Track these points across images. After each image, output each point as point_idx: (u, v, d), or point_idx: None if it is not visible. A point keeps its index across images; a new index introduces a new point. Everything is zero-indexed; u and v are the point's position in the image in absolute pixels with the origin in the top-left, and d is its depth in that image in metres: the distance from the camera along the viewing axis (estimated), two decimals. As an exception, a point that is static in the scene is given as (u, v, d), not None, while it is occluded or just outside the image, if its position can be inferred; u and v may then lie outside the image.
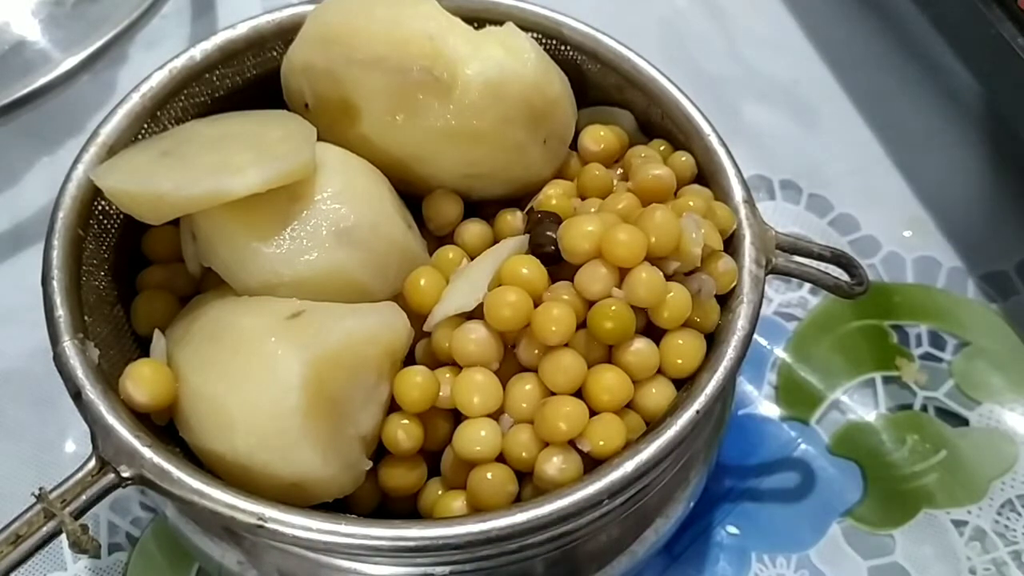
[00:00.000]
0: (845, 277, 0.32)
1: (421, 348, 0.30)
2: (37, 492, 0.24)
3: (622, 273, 0.28)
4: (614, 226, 0.27)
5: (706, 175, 0.32)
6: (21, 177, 0.45)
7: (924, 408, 0.41)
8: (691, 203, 0.29)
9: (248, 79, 0.34)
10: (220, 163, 0.27)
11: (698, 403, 0.27)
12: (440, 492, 0.28)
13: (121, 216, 0.31)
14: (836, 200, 0.46)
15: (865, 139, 0.49)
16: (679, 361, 0.28)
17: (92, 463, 0.25)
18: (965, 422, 0.40)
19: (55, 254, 0.28)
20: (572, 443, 0.27)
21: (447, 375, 0.28)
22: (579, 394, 0.27)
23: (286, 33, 0.33)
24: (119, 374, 0.27)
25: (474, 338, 0.28)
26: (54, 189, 0.29)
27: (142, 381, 0.26)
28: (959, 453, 0.39)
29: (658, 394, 0.28)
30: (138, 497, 0.37)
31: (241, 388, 0.26)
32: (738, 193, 0.31)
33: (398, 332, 0.28)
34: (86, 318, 0.28)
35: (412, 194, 0.32)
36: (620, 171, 0.33)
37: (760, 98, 0.50)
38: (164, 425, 0.27)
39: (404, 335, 0.29)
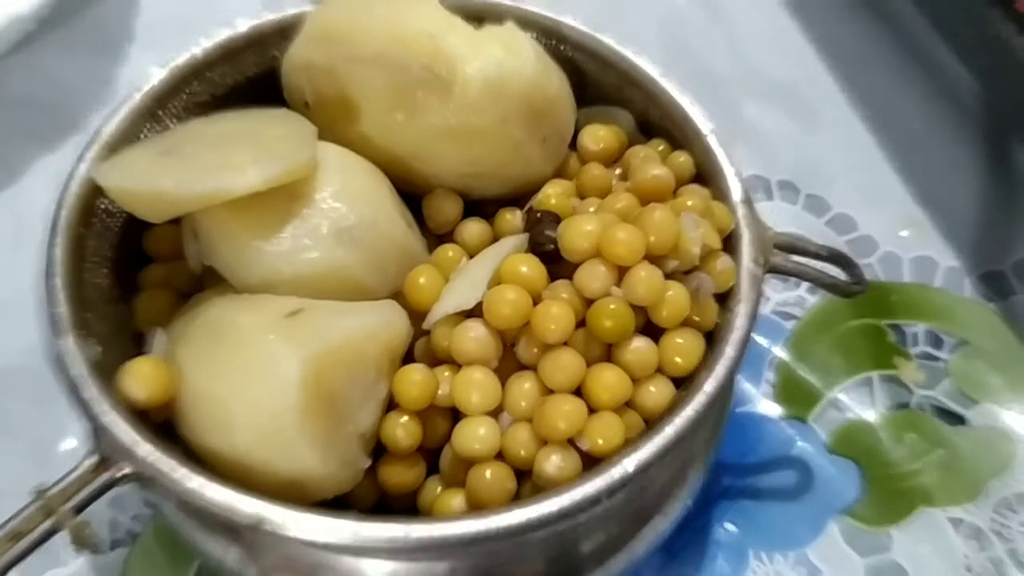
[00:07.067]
0: (843, 276, 0.32)
1: (420, 346, 0.30)
2: (36, 489, 0.24)
3: (621, 272, 0.28)
4: (613, 225, 0.28)
5: (705, 175, 0.32)
6: (23, 176, 0.45)
7: (922, 407, 0.41)
8: (690, 202, 0.29)
9: (249, 77, 0.34)
10: (221, 162, 0.28)
11: (697, 402, 0.27)
12: (439, 490, 0.28)
13: (123, 214, 0.31)
14: (834, 200, 0.46)
15: (863, 139, 0.49)
16: (678, 360, 0.28)
17: (91, 460, 0.25)
18: (962, 421, 0.40)
19: (57, 251, 0.28)
20: (571, 441, 0.27)
21: (446, 373, 0.28)
22: (578, 393, 0.28)
23: (287, 32, 0.33)
24: (119, 371, 0.27)
25: (473, 336, 0.28)
26: (56, 187, 0.29)
27: (142, 378, 0.26)
28: (956, 452, 0.39)
29: (657, 393, 0.28)
30: (138, 494, 0.37)
31: (240, 386, 0.26)
32: (736, 193, 0.31)
33: (397, 330, 0.28)
34: (87, 315, 0.28)
35: (412, 193, 0.32)
36: (619, 170, 0.33)
37: (759, 98, 0.50)
38: (163, 422, 0.28)
39: (403, 333, 0.29)
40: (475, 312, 0.28)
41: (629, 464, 0.26)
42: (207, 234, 0.29)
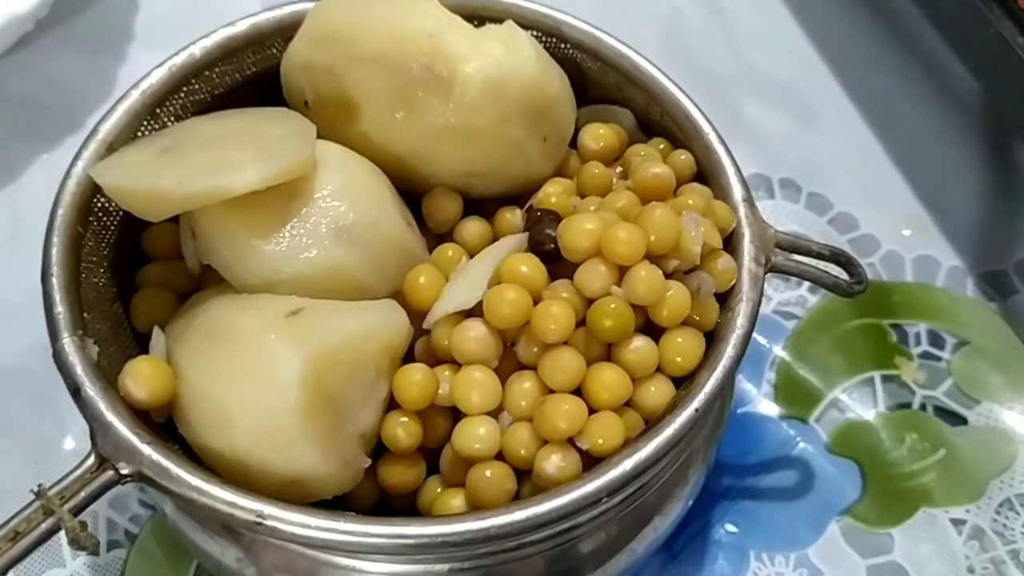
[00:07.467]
0: (844, 276, 0.32)
1: (420, 346, 0.30)
2: (36, 489, 0.24)
3: (621, 271, 0.28)
4: (613, 224, 0.27)
5: (706, 173, 0.32)
6: (21, 174, 0.45)
7: (923, 407, 0.41)
8: (690, 201, 0.29)
9: (248, 76, 0.34)
10: (220, 160, 0.27)
11: (697, 401, 0.27)
12: (439, 490, 0.28)
13: (120, 213, 0.31)
14: (835, 199, 0.46)
15: (864, 138, 0.49)
16: (678, 359, 0.28)
17: (91, 460, 0.25)
18: (964, 421, 0.40)
19: (54, 251, 0.28)
20: (571, 441, 0.27)
21: (446, 373, 0.28)
22: (578, 392, 0.27)
23: (286, 30, 0.33)
24: (118, 371, 0.27)
25: (473, 336, 0.28)
26: (54, 186, 0.29)
27: (141, 378, 0.26)
28: (958, 452, 0.39)
29: (657, 392, 0.28)
30: (137, 494, 0.37)
31: (240, 385, 0.26)
32: (737, 191, 0.31)
33: (397, 330, 0.28)
34: (85, 315, 0.28)
35: (412, 192, 0.32)
36: (620, 169, 0.33)
37: (760, 97, 0.50)
38: (163, 422, 0.27)
39: (403, 333, 0.29)
40: (475, 312, 0.28)
41: (629, 464, 0.26)
42: (206, 233, 0.29)
